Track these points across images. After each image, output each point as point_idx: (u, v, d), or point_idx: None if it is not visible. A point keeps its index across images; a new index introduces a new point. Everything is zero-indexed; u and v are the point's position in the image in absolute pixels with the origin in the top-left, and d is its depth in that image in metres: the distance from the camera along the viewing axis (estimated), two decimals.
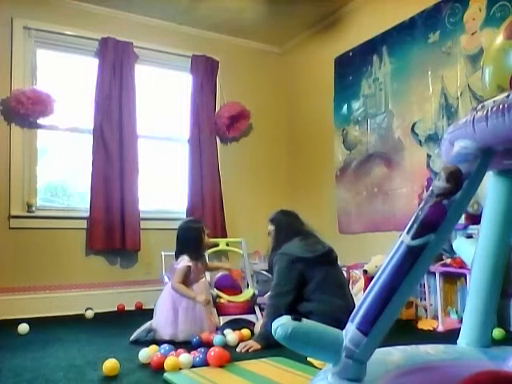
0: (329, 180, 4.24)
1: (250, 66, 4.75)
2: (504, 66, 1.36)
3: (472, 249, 1.60)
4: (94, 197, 3.85)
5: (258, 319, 2.84)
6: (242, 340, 2.42)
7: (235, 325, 2.75)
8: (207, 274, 3.04)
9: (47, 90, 3.72)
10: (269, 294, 2.58)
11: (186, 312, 2.54)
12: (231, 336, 2.42)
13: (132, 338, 2.50)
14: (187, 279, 2.65)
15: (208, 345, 2.26)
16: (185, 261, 2.68)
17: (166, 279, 3.02)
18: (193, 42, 4.45)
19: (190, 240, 2.76)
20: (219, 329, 2.65)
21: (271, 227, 2.78)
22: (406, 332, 2.59)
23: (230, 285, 3.20)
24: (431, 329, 2.74)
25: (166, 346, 2.12)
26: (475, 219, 2.66)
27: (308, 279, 2.50)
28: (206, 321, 2.58)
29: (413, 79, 3.49)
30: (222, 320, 2.82)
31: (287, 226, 2.72)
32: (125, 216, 3.90)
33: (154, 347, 2.16)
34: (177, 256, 2.77)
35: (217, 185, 4.36)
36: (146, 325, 2.54)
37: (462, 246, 1.76)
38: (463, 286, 2.85)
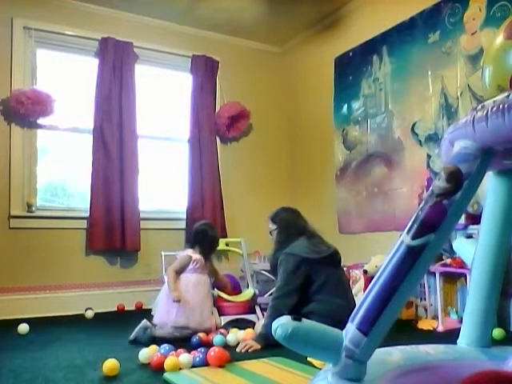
0: (329, 180, 4.24)
1: (250, 66, 4.75)
2: (504, 65, 1.36)
3: (472, 249, 1.60)
4: (93, 197, 3.85)
5: (259, 319, 2.83)
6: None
7: (236, 325, 2.76)
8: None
9: (47, 90, 3.72)
10: (273, 295, 2.54)
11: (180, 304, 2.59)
12: (231, 336, 2.42)
13: (131, 337, 2.51)
14: (184, 268, 2.73)
15: (208, 345, 2.26)
16: (188, 251, 2.79)
17: (166, 279, 3.02)
18: (193, 42, 4.45)
19: (203, 244, 2.88)
20: (225, 326, 2.67)
21: (273, 226, 2.72)
22: (406, 332, 2.59)
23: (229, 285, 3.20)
24: (431, 329, 2.74)
25: (165, 346, 2.12)
26: (475, 219, 2.66)
27: (312, 280, 2.48)
28: (204, 316, 2.62)
29: (413, 79, 3.49)
30: (223, 320, 2.83)
31: (291, 224, 2.67)
32: (125, 216, 3.90)
33: (153, 347, 2.15)
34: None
35: (217, 185, 4.36)
36: (142, 323, 2.54)
37: (462, 246, 1.76)
38: (463, 286, 2.85)
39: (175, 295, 2.57)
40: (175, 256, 2.88)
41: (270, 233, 2.75)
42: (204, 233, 2.91)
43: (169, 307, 2.58)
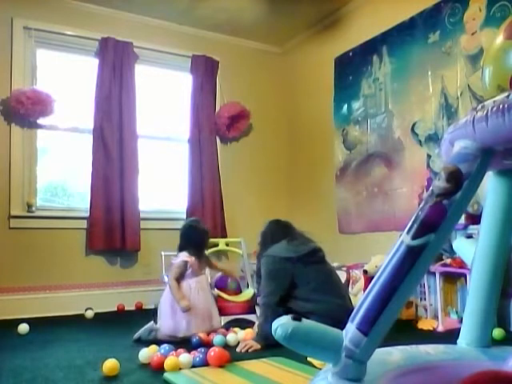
0: (329, 180, 4.24)
1: (250, 66, 4.75)
2: (504, 65, 1.36)
3: (472, 249, 1.59)
4: (93, 197, 3.85)
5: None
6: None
7: (236, 324, 2.76)
8: (208, 275, 3.04)
9: (47, 90, 3.72)
10: (260, 296, 2.58)
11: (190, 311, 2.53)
12: (231, 336, 2.42)
13: (135, 336, 2.52)
14: (183, 274, 2.66)
15: (208, 345, 2.26)
16: (182, 256, 2.71)
17: (166, 279, 3.02)
18: (193, 41, 4.45)
19: (194, 239, 2.81)
20: (225, 326, 2.67)
21: (259, 238, 2.80)
22: (406, 332, 2.59)
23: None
24: (431, 329, 2.74)
25: (165, 346, 2.12)
26: (475, 219, 2.66)
27: (297, 279, 2.49)
28: (207, 320, 2.58)
29: (413, 79, 3.49)
30: (223, 320, 2.83)
31: (273, 232, 2.74)
32: (125, 216, 3.90)
33: (153, 347, 2.16)
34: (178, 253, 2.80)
35: (217, 185, 4.36)
36: (149, 325, 2.55)
37: (462, 246, 1.76)
38: (463, 286, 2.85)
39: (184, 305, 2.50)
40: (171, 262, 2.80)
41: (258, 244, 2.82)
42: (193, 228, 2.86)
43: (177, 318, 2.52)
